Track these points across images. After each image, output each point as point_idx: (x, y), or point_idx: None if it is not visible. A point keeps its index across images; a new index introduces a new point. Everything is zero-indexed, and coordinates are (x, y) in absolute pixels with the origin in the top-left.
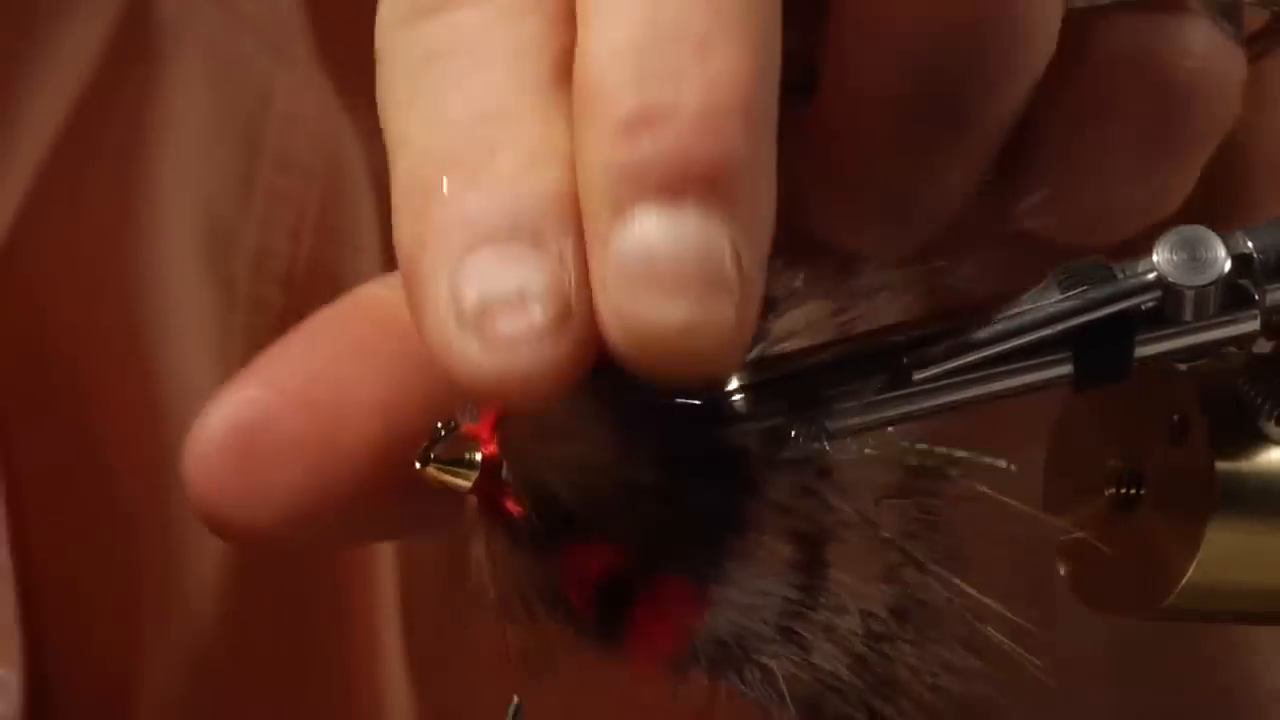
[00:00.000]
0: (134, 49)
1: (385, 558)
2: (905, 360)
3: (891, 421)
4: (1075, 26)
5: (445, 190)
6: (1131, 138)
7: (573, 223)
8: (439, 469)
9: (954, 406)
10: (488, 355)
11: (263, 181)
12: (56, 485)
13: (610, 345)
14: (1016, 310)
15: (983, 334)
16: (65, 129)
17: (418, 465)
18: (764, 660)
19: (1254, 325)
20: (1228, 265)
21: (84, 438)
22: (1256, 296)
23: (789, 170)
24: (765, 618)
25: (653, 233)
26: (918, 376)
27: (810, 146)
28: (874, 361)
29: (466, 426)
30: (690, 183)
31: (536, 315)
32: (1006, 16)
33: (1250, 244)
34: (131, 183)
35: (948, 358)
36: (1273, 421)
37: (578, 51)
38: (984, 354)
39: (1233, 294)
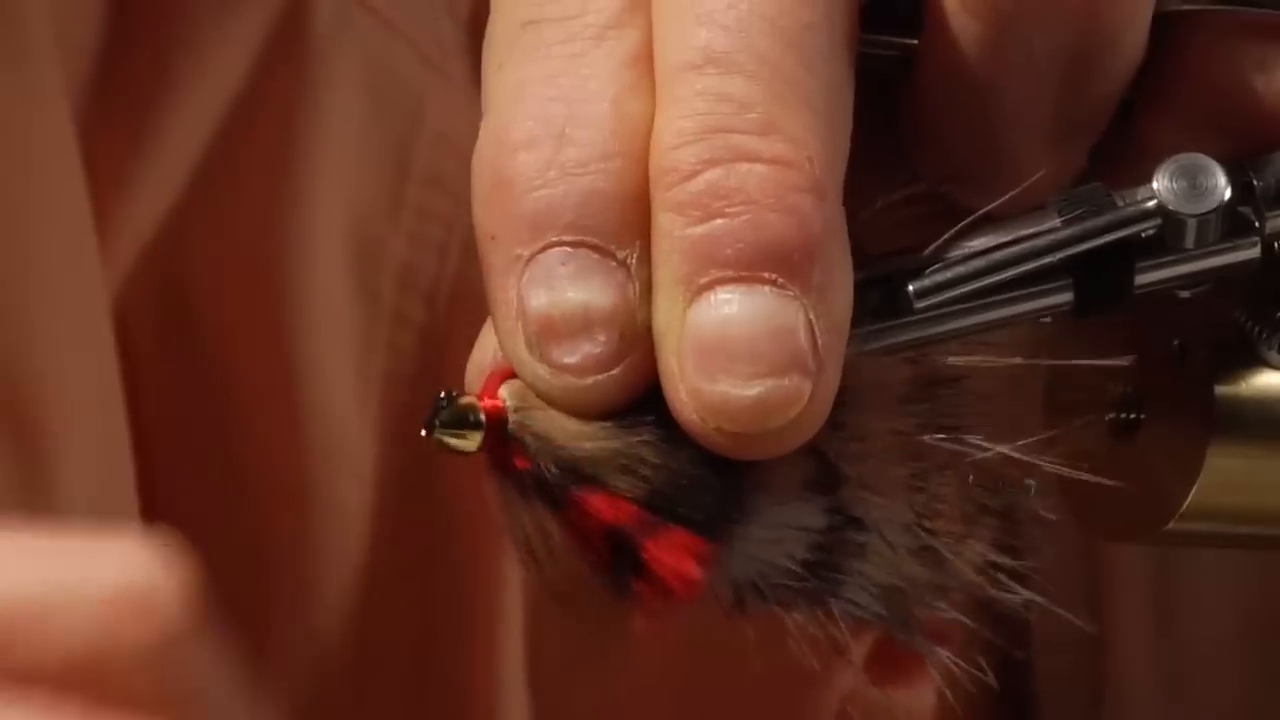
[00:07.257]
0: (288, 55)
1: (512, 579)
2: (908, 288)
3: (894, 349)
4: (1175, 28)
5: (515, 181)
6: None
7: (640, 225)
8: (445, 434)
9: (955, 334)
10: (552, 378)
11: (412, 197)
12: (191, 485)
13: (683, 421)
14: (1017, 237)
15: (983, 262)
16: (219, 131)
17: (423, 434)
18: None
19: (1255, 252)
20: (1228, 193)
21: (222, 439)
22: (1257, 224)
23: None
24: (791, 551)
25: (727, 311)
26: (919, 305)
27: (911, 114)
28: (876, 289)
29: (467, 390)
30: (762, 261)
31: (599, 344)
32: (1092, 18)
33: (1251, 172)
34: (282, 188)
35: (949, 286)
36: (1273, 348)
37: (654, 126)
38: (985, 282)
39: (1233, 221)
